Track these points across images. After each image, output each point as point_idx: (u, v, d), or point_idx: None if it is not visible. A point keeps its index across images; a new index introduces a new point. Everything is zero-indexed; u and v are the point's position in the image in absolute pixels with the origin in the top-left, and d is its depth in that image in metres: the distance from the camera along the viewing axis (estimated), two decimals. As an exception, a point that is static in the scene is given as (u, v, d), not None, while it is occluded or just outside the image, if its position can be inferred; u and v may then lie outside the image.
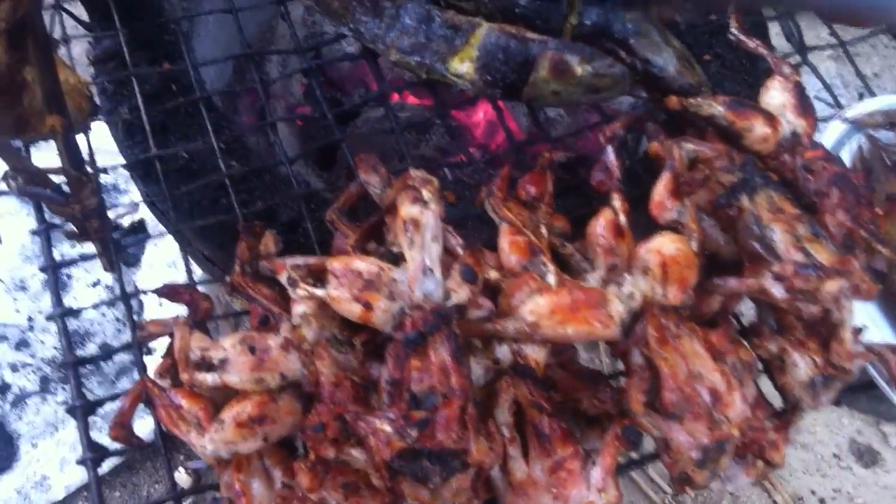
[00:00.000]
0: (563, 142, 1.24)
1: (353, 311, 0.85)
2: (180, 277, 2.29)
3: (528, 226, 1.03)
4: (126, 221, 2.51)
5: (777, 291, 0.86)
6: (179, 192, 1.16)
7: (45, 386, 2.23)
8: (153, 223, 2.37)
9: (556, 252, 1.03)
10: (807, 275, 0.85)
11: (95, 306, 1.21)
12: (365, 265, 0.86)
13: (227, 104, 1.55)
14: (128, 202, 2.48)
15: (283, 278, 0.99)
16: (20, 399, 2.19)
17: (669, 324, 0.85)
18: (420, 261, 0.85)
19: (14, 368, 2.23)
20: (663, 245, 0.90)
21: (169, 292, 1.01)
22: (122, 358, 2.36)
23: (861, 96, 1.31)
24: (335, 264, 0.87)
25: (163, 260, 2.42)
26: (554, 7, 1.17)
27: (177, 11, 1.31)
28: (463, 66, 1.15)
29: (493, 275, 0.94)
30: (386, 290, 0.85)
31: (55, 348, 2.31)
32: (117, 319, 2.41)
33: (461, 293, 0.85)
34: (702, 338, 0.86)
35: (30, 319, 2.32)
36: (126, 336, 2.29)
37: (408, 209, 0.87)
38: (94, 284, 2.36)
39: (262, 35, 1.72)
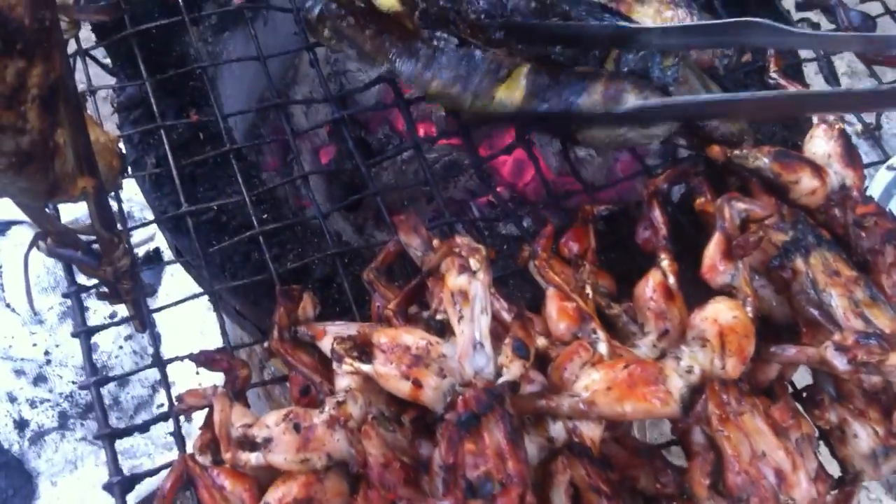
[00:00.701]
0: (602, 190, 1.20)
1: (402, 388, 0.82)
2: (200, 309, 2.26)
3: (573, 286, 1.01)
4: (142, 251, 2.48)
5: (839, 364, 0.83)
6: (211, 250, 1.13)
7: (63, 422, 2.21)
8: (169, 251, 2.35)
9: (603, 314, 1.01)
10: (869, 346, 0.82)
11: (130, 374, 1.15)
12: (413, 339, 0.84)
13: (255, 150, 1.52)
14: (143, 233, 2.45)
15: (323, 345, 0.96)
16: (39, 436, 2.17)
17: (731, 399, 0.82)
18: (470, 335, 0.82)
19: (32, 404, 2.21)
20: (720, 313, 0.87)
21: (205, 360, 0.98)
22: (140, 392, 2.35)
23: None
24: (382, 338, 0.84)
25: (181, 290, 2.39)
26: (589, 54, 1.14)
27: (203, 57, 1.28)
28: (511, 96, 1.12)
29: (541, 342, 0.92)
30: (435, 367, 0.82)
31: (73, 383, 2.28)
32: (134, 352, 2.40)
33: (513, 369, 0.82)
34: (763, 413, 0.83)
35: (46, 353, 2.30)
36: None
37: (455, 280, 0.84)
38: (112, 316, 2.34)
39: (285, 73, 1.69)
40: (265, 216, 1.21)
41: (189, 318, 2.27)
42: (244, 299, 1.17)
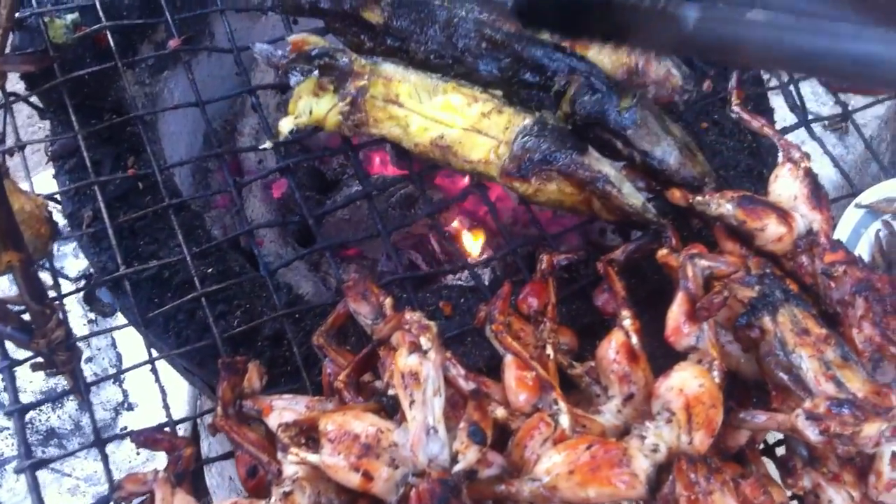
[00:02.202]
0: (559, 237, 1.15)
1: (352, 480, 0.77)
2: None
3: (534, 345, 0.96)
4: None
5: (811, 434, 0.79)
6: (151, 315, 1.07)
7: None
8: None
9: (566, 374, 0.96)
10: (842, 416, 0.78)
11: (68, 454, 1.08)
12: (362, 426, 0.79)
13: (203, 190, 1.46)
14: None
15: (270, 421, 0.91)
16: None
17: (699, 478, 0.78)
18: (422, 421, 0.77)
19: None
20: (685, 382, 0.83)
21: (146, 441, 0.93)
22: (104, 416, 2.27)
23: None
24: (329, 426, 0.79)
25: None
26: (546, 96, 1.09)
27: (138, 104, 1.21)
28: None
29: (500, 413, 0.87)
30: (386, 456, 0.77)
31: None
32: (95, 374, 2.32)
33: (469, 455, 0.77)
34: (733, 490, 0.78)
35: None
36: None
37: (405, 361, 0.79)
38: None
39: (233, 103, 1.63)
40: (210, 270, 1.16)
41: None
42: (189, 361, 1.11)
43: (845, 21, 0.83)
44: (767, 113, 1.37)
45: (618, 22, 0.96)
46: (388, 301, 0.97)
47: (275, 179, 1.57)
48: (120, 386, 2.37)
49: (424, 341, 0.80)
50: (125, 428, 2.14)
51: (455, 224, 1.57)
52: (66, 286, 1.13)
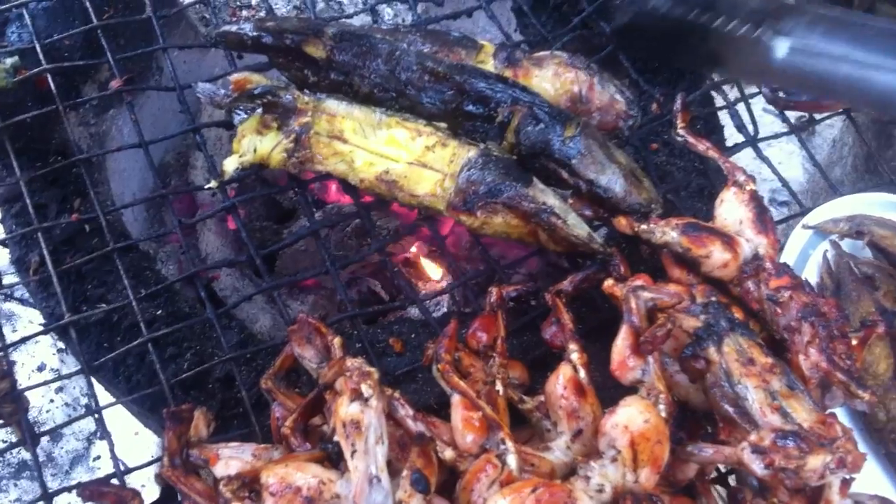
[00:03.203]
0: (509, 268, 1.15)
1: (295, 534, 0.76)
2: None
3: (483, 380, 0.96)
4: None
5: (757, 468, 0.79)
6: (98, 362, 1.06)
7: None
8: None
9: (517, 409, 0.96)
10: (787, 449, 0.78)
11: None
12: (304, 478, 0.78)
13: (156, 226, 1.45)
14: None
15: (217, 471, 0.90)
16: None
17: (644, 517, 0.77)
18: (364, 470, 0.77)
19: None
20: (631, 419, 0.82)
21: (92, 494, 0.91)
22: (75, 445, 2.25)
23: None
24: (270, 479, 0.78)
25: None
26: (491, 127, 1.09)
27: (83, 147, 1.20)
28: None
29: (448, 455, 0.86)
30: (329, 509, 0.76)
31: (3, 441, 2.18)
32: (66, 404, 2.30)
33: (414, 503, 0.76)
34: (680, 527, 0.78)
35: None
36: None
37: (346, 410, 0.78)
38: (40, 369, 2.24)
39: (184, 144, 1.62)
40: (160, 312, 1.15)
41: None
42: (141, 406, 1.10)
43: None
44: (717, 132, 1.37)
45: (713, 49, 0.96)
46: (336, 341, 0.96)
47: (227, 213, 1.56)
48: (92, 416, 2.35)
49: (365, 388, 0.79)
50: (98, 458, 2.12)
51: (413, 249, 1.57)
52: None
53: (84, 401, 2.22)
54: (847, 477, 0.89)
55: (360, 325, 1.08)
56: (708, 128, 1.36)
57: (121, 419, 1.25)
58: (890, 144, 2.43)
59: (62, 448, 2.26)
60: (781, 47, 0.90)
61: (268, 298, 1.48)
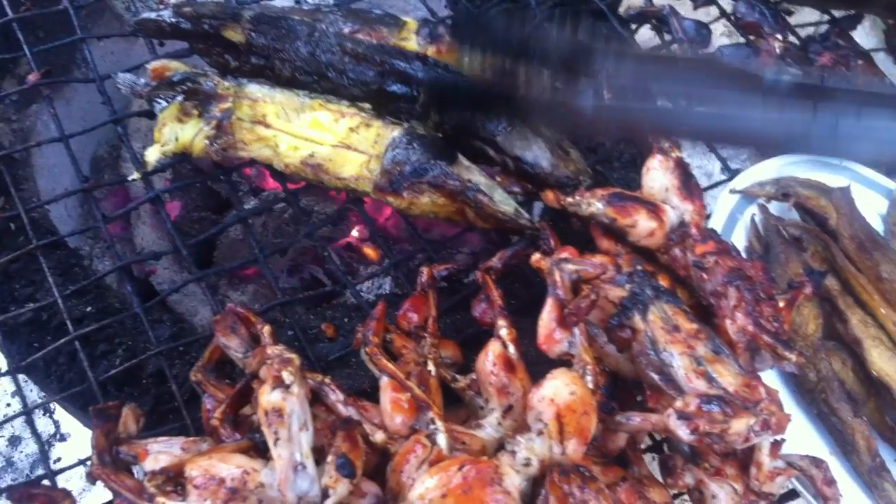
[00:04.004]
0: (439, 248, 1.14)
1: (220, 526, 0.75)
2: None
3: (415, 361, 0.95)
4: None
5: (682, 434, 0.79)
6: (26, 361, 1.04)
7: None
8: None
9: (450, 388, 0.95)
10: (712, 413, 0.78)
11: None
12: (227, 469, 0.77)
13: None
14: None
15: (147, 466, 0.89)
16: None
17: (573, 489, 0.77)
18: (288, 458, 0.76)
19: None
20: (557, 391, 0.82)
21: (21, 497, 0.89)
22: (34, 448, 2.22)
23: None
24: (194, 471, 0.77)
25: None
26: (414, 107, 1.08)
27: (5, 141, 1.17)
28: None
29: (379, 437, 0.86)
30: (254, 499, 0.76)
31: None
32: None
33: (340, 489, 0.75)
34: (609, 498, 0.78)
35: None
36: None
37: (268, 398, 0.77)
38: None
39: (117, 136, 1.59)
40: (89, 309, 1.13)
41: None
42: (73, 405, 1.08)
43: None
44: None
45: (523, 111, 1.00)
46: (266, 329, 0.95)
47: (165, 203, 1.53)
48: (50, 417, 2.32)
49: (286, 375, 0.78)
50: (59, 459, 2.10)
51: (355, 234, 1.56)
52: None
53: (40, 400, 2.20)
54: (777, 439, 0.90)
55: (291, 312, 1.07)
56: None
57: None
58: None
59: (21, 452, 2.24)
60: (587, 106, 0.96)
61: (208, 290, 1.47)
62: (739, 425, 0.79)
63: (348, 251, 1.53)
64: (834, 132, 0.95)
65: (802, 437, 1.00)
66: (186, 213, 1.56)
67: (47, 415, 2.34)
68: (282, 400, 0.77)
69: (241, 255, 1.48)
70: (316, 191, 1.47)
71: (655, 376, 0.86)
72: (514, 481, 0.78)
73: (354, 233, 1.55)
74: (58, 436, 2.29)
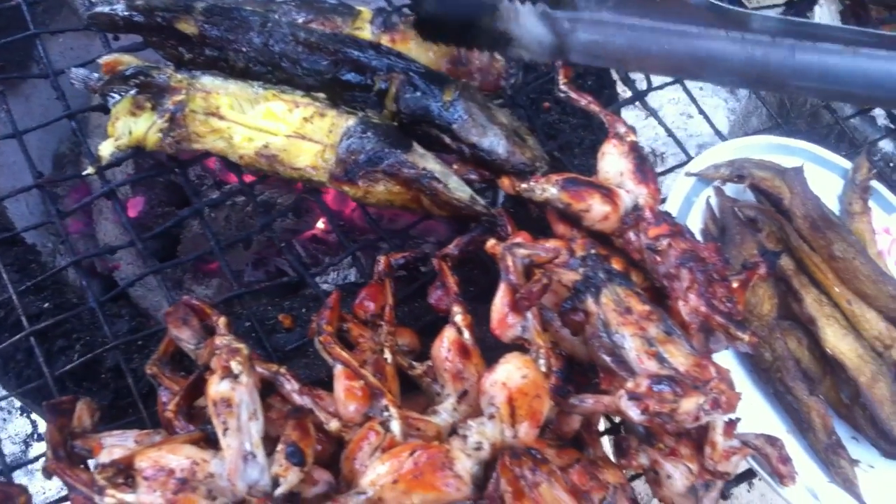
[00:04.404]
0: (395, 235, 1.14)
1: (170, 517, 0.75)
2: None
3: (372, 349, 0.95)
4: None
5: (633, 414, 0.79)
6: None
7: None
8: None
9: (407, 375, 0.95)
10: (662, 393, 0.79)
11: None
12: (177, 460, 0.76)
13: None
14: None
15: (101, 460, 0.88)
16: None
17: (524, 471, 0.77)
18: (238, 447, 0.76)
19: None
20: (509, 375, 0.82)
21: (-27, 494, 0.89)
22: (12, 448, 2.21)
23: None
24: (143, 462, 0.76)
25: None
26: (369, 96, 1.07)
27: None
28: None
29: (333, 426, 0.86)
30: (203, 489, 0.75)
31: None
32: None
33: (290, 477, 0.75)
34: (561, 479, 0.78)
35: None
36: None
37: (216, 388, 0.77)
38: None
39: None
40: (46, 304, 1.12)
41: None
42: (31, 401, 1.08)
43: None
44: (609, 87, 1.38)
45: (501, 34, 1.00)
46: (221, 321, 0.95)
47: (126, 199, 1.52)
48: (28, 417, 2.31)
49: (235, 365, 0.78)
50: (37, 458, 2.09)
51: (321, 225, 1.55)
52: None
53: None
54: (731, 418, 0.90)
55: (249, 304, 1.07)
56: (599, 83, 1.37)
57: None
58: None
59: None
60: (573, 23, 0.95)
61: (173, 284, 1.46)
62: (689, 404, 0.79)
63: (314, 243, 1.53)
64: (818, 70, 0.94)
65: (759, 416, 1.00)
66: (150, 208, 1.55)
67: (24, 415, 2.33)
68: (230, 390, 0.77)
69: (205, 248, 1.48)
70: (280, 183, 1.46)
71: (607, 358, 0.86)
72: (466, 465, 0.78)
73: (321, 224, 1.55)
74: (35, 435, 2.28)
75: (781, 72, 0.89)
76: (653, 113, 1.24)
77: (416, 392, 0.97)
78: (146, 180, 1.53)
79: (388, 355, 0.94)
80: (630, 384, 0.82)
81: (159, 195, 1.58)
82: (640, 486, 0.96)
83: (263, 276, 1.52)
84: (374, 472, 0.77)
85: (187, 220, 1.35)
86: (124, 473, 0.79)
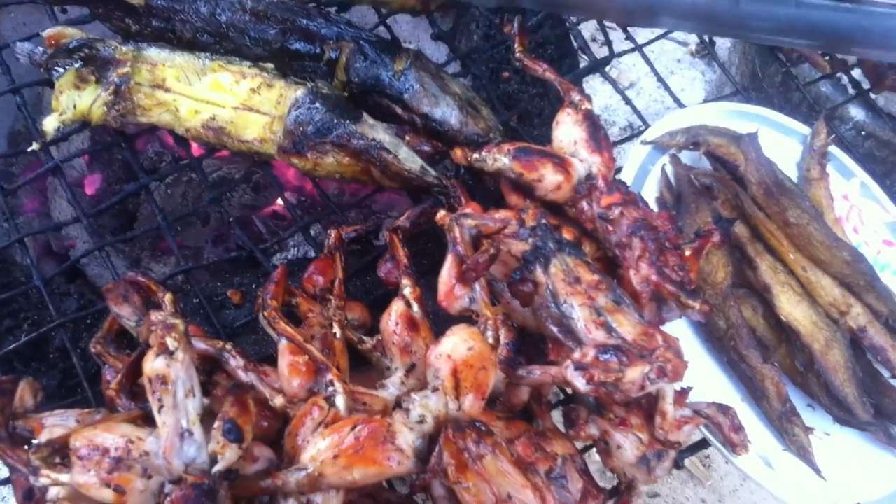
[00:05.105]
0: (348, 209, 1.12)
1: (105, 497, 0.73)
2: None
3: (321, 325, 0.93)
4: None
5: (579, 384, 0.78)
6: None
7: None
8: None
9: (356, 349, 0.94)
10: (608, 363, 0.77)
11: None
12: (112, 438, 0.75)
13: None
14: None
15: (42, 440, 0.86)
16: None
17: (468, 444, 0.76)
18: (174, 425, 0.74)
19: None
20: (455, 348, 0.81)
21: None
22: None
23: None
24: (77, 442, 0.74)
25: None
26: (319, 65, 1.05)
27: None
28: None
29: (278, 402, 0.84)
30: (139, 467, 0.74)
31: None
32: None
33: (228, 454, 0.74)
34: (506, 451, 0.77)
35: None
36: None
37: (151, 364, 0.75)
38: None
39: (36, 110, 1.55)
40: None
41: None
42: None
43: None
44: (570, 56, 1.35)
45: None
46: (167, 297, 0.93)
47: (83, 177, 1.50)
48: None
49: (170, 341, 0.76)
50: None
51: (280, 202, 1.53)
52: None
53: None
54: (683, 387, 0.89)
55: (197, 280, 1.05)
56: (560, 52, 1.35)
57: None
58: (772, 61, 2.45)
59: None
60: None
61: (131, 263, 1.44)
62: (634, 373, 0.78)
63: (275, 219, 1.51)
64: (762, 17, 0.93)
65: (713, 385, 0.99)
66: (108, 185, 1.52)
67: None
68: (165, 367, 0.75)
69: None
70: (239, 158, 1.44)
71: (555, 329, 0.84)
72: (408, 439, 0.77)
73: (281, 200, 1.52)
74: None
75: (725, 18, 0.89)
76: (610, 81, 1.22)
77: (367, 367, 0.95)
78: (104, 158, 1.51)
79: (336, 330, 0.92)
80: (577, 354, 0.80)
81: (117, 172, 1.56)
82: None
83: (223, 253, 1.50)
84: (315, 448, 0.76)
85: (144, 197, 1.33)
86: (60, 453, 0.78)
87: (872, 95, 1.41)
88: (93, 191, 1.52)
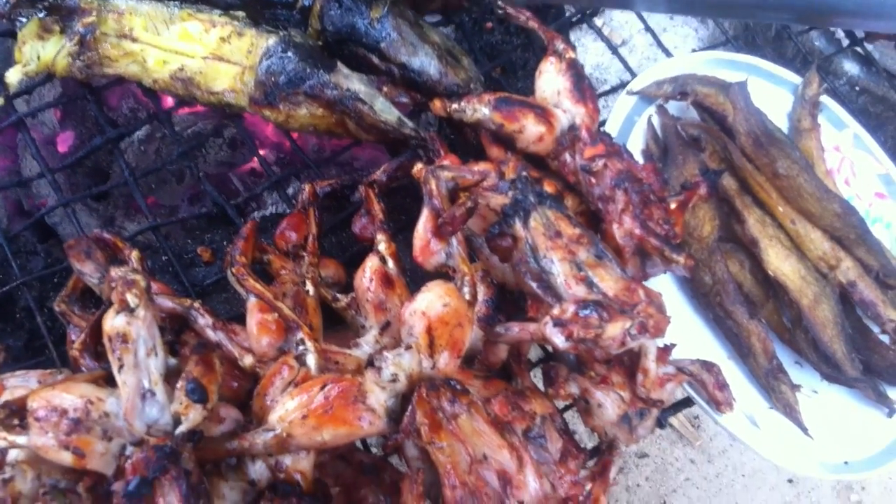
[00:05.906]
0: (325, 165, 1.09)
1: (65, 459, 0.70)
2: None
3: (293, 282, 0.90)
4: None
5: (558, 341, 0.75)
6: None
7: None
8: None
9: (331, 308, 0.91)
10: (587, 318, 0.74)
11: None
12: (70, 399, 0.71)
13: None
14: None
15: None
16: None
17: (442, 403, 0.73)
18: (135, 384, 0.71)
19: None
20: (430, 304, 0.78)
21: None
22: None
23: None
24: (35, 403, 0.71)
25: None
26: (292, 14, 1.01)
27: None
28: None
29: (248, 361, 0.81)
30: (98, 429, 0.71)
31: None
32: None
33: (192, 415, 0.71)
34: (482, 410, 0.74)
35: None
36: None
37: (111, 322, 0.72)
38: None
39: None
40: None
41: None
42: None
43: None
44: (556, 7, 1.31)
45: None
46: (134, 255, 0.90)
47: (55, 134, 1.46)
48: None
49: (131, 298, 0.73)
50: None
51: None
52: None
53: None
54: (666, 344, 0.86)
55: (167, 237, 1.01)
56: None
57: None
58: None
59: None
60: None
61: (105, 222, 1.40)
62: (614, 329, 0.75)
63: (253, 176, 1.47)
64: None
65: (698, 342, 0.97)
66: (81, 142, 1.48)
67: None
68: (126, 324, 0.72)
69: (141, 183, 1.42)
70: (215, 114, 1.39)
71: (534, 284, 0.82)
72: (380, 398, 0.74)
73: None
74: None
75: None
76: (602, 37, 1.18)
77: (343, 327, 0.93)
78: (76, 114, 1.46)
79: (309, 287, 0.89)
80: (556, 310, 0.78)
81: (91, 130, 1.51)
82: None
83: (201, 211, 1.46)
84: (283, 408, 0.73)
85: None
86: (19, 415, 0.74)
87: (868, 46, 1.37)
88: (66, 148, 1.48)
